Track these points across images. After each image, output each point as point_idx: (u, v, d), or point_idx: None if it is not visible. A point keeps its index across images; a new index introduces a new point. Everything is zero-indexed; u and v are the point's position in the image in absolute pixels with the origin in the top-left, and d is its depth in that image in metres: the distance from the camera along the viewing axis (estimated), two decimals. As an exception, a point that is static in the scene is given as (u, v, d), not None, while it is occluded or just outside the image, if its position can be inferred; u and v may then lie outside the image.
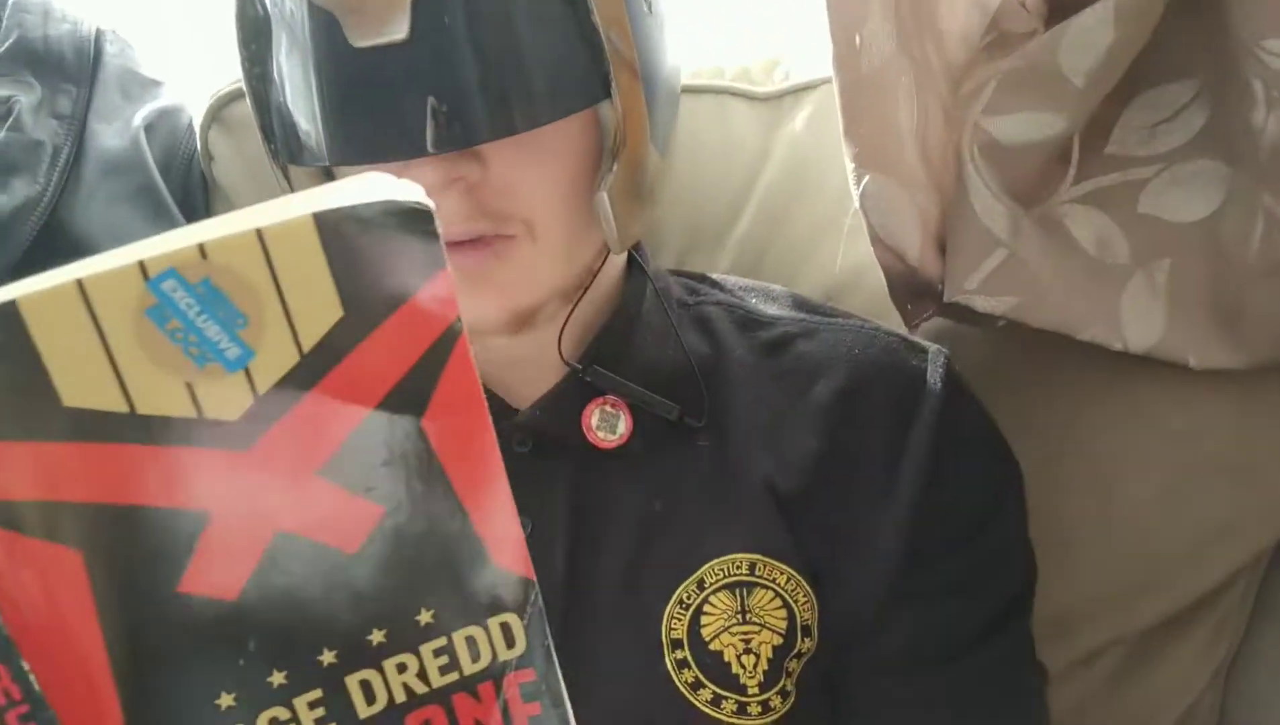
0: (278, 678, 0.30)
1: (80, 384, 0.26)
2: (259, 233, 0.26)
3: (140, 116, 0.79)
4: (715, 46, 0.82)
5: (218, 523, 0.28)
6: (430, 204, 0.27)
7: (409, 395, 0.29)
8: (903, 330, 0.61)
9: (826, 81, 0.77)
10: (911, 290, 0.66)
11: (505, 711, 0.33)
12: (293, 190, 0.55)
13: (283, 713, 0.31)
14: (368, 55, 0.46)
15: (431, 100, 0.46)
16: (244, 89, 0.53)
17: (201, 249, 0.26)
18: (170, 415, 0.27)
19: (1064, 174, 0.67)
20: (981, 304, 0.63)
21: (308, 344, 0.28)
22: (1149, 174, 0.66)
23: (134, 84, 0.82)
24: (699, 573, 0.54)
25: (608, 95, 0.50)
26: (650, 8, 0.53)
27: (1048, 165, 0.66)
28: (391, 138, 0.47)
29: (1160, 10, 0.61)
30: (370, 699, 0.31)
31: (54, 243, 0.75)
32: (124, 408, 0.26)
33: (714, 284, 0.66)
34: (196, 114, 0.81)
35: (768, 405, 0.57)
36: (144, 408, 0.27)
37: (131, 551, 0.28)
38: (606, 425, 0.58)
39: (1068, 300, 0.64)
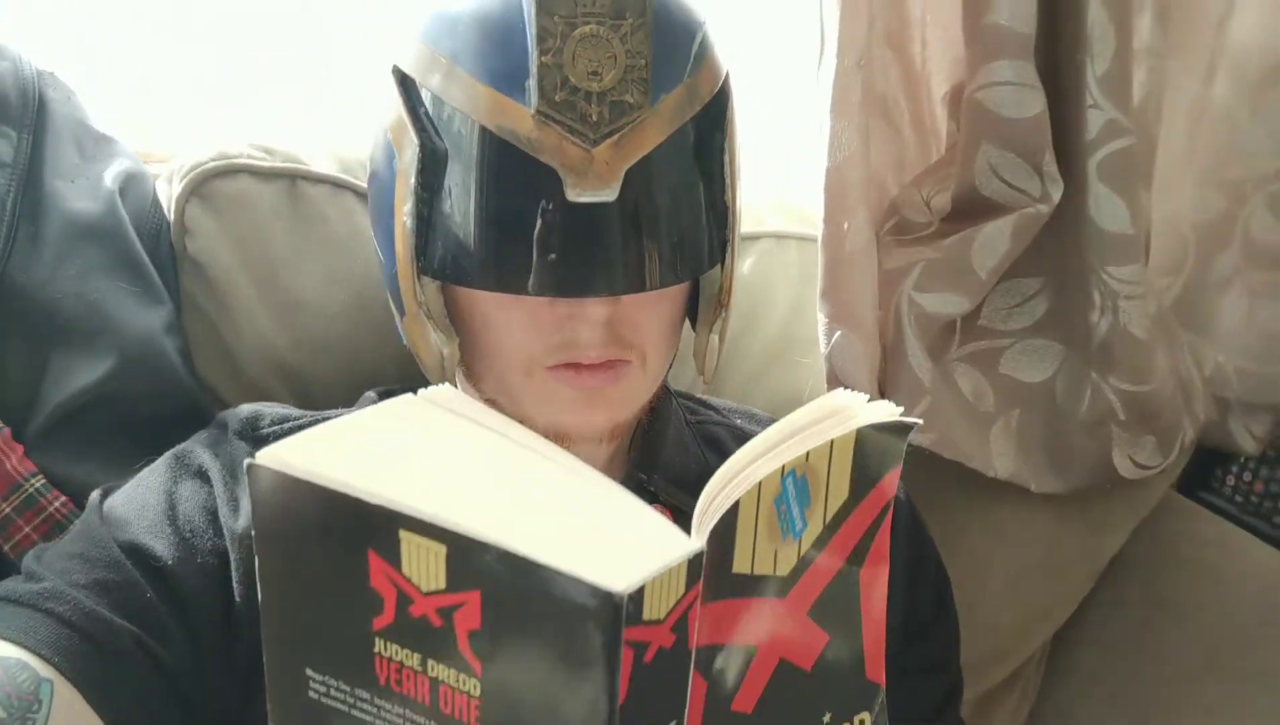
0: None
1: (740, 554, 0.33)
2: (831, 443, 0.36)
3: (111, 178, 0.74)
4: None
5: (759, 655, 0.36)
6: (917, 421, 0.38)
7: (860, 552, 0.39)
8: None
9: (765, 236, 0.92)
10: (852, 421, 0.83)
11: None
12: (416, 299, 0.58)
13: None
14: (578, 207, 0.54)
15: (624, 252, 0.55)
16: (408, 210, 0.56)
17: (807, 454, 0.35)
18: (765, 574, 0.35)
19: (953, 339, 0.87)
20: (913, 439, 0.80)
21: (829, 517, 0.37)
22: (1006, 344, 0.88)
23: (87, 139, 0.76)
24: None
25: (723, 255, 0.61)
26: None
27: (945, 332, 0.86)
28: (587, 278, 0.54)
29: (1037, 270, 0.84)
30: None
31: (10, 308, 0.68)
32: (749, 569, 0.34)
33: (705, 404, 0.78)
34: (165, 185, 0.77)
35: None
36: (760, 569, 0.34)
37: (721, 682, 0.35)
38: None
39: (961, 437, 0.84)
